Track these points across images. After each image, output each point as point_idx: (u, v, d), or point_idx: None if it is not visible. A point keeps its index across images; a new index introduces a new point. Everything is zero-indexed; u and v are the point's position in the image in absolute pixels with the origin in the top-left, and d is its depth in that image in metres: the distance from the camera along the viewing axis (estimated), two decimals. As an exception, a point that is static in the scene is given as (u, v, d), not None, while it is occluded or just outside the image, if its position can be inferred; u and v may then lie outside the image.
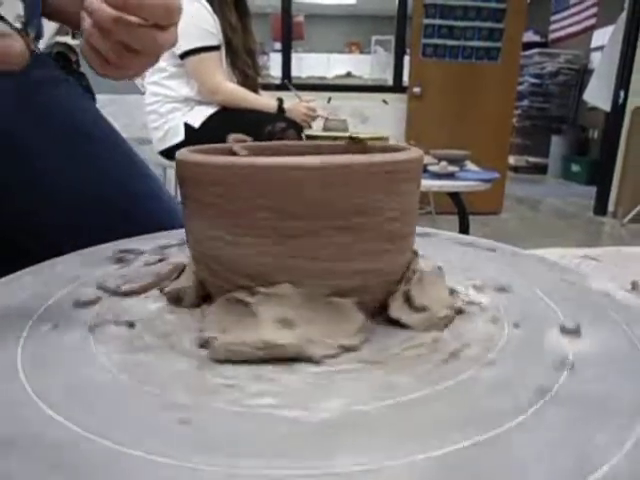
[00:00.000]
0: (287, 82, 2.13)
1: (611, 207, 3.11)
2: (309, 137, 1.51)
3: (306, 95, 1.81)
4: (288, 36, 3.19)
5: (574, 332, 0.25)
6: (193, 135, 1.51)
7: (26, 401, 0.19)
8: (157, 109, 1.56)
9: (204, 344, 0.23)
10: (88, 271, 0.32)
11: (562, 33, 4.89)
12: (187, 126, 1.53)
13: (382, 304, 0.26)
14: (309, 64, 5.11)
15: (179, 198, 0.29)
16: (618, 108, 3.00)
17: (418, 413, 0.19)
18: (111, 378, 0.21)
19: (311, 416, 0.18)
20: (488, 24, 2.92)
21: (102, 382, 0.20)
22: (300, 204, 0.22)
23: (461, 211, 1.64)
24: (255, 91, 1.62)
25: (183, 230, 0.29)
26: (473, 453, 0.16)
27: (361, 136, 0.33)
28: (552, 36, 5.05)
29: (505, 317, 0.27)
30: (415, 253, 0.28)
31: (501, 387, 0.20)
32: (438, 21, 2.91)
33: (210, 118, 1.53)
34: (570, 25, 4.73)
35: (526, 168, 4.96)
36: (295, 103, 1.65)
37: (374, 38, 5.51)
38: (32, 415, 0.18)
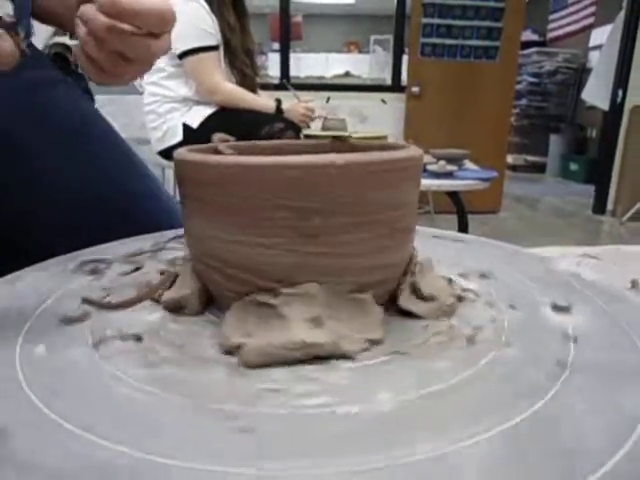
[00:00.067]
0: (286, 82, 2.13)
1: (610, 206, 3.11)
2: (308, 137, 1.51)
3: (305, 95, 1.81)
4: (286, 36, 3.19)
5: (566, 309, 0.27)
6: (191, 135, 1.51)
7: (67, 435, 0.17)
8: (155, 109, 1.56)
9: (230, 350, 0.22)
10: (59, 284, 0.30)
11: (560, 32, 4.89)
12: (185, 126, 1.53)
13: (391, 296, 0.27)
14: (308, 64, 5.11)
15: (178, 198, 0.29)
16: (616, 107, 3.01)
17: (468, 395, 0.20)
18: (143, 395, 0.19)
19: (367, 411, 0.19)
20: (486, 23, 2.92)
21: (136, 400, 0.19)
22: (323, 202, 0.22)
23: (460, 210, 1.64)
24: (253, 91, 1.61)
25: (164, 232, 0.29)
26: (533, 423, 0.18)
27: (359, 135, 0.33)
28: (550, 35, 5.05)
29: (498, 300, 0.29)
30: (414, 247, 0.29)
31: (527, 363, 0.22)
32: (436, 20, 2.91)
33: (208, 118, 1.52)
34: (568, 24, 4.74)
35: (524, 167, 4.96)
36: (293, 103, 1.64)
37: (372, 38, 5.51)
38: (84, 449, 0.16)
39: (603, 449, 0.16)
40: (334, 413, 0.18)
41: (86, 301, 0.27)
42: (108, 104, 1.52)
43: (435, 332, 0.25)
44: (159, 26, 0.34)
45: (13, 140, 0.46)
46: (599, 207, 3.16)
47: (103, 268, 0.33)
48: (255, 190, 0.22)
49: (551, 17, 4.98)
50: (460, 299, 0.28)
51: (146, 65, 0.38)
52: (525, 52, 4.64)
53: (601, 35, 3.91)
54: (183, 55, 1.47)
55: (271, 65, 4.31)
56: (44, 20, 0.50)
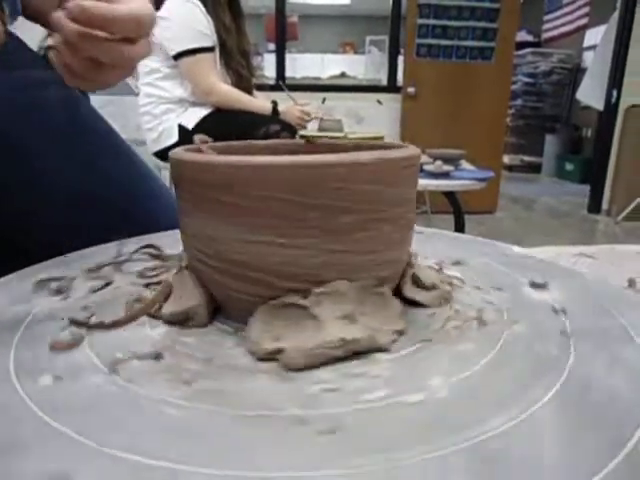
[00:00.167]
0: (281, 84, 2.13)
1: (605, 205, 3.13)
2: (304, 137, 1.51)
3: (300, 95, 1.81)
4: (282, 37, 3.19)
5: (543, 286, 0.30)
6: (187, 136, 1.50)
7: (133, 468, 0.15)
8: (151, 110, 1.56)
9: (266, 357, 0.22)
10: (25, 306, 0.28)
11: (555, 33, 4.91)
12: (181, 127, 1.52)
13: (394, 289, 0.28)
14: (303, 64, 5.11)
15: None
16: (611, 107, 3.02)
17: (505, 371, 0.21)
18: (198, 413, 0.18)
19: (429, 397, 0.19)
20: (482, 24, 2.93)
21: (192, 419, 0.18)
22: (344, 200, 0.22)
23: (456, 210, 1.64)
24: (249, 92, 1.61)
25: (123, 240, 0.28)
26: (570, 386, 0.20)
27: (356, 136, 0.33)
28: (545, 36, 5.08)
29: (482, 284, 0.31)
30: None
31: (538, 337, 0.24)
32: (432, 21, 2.91)
33: (204, 119, 1.52)
34: (563, 25, 4.76)
35: (520, 167, 4.98)
36: (289, 106, 1.64)
37: (368, 38, 5.51)
38: (161, 477, 0.15)
39: (637, 399, 0.19)
40: (401, 404, 0.19)
41: (75, 323, 0.25)
42: (107, 104, 1.51)
43: (447, 318, 0.26)
44: (134, 31, 0.34)
45: (11, 140, 0.46)
46: (594, 207, 3.17)
47: (66, 286, 0.30)
48: (278, 190, 0.22)
49: (546, 18, 5.00)
50: (451, 286, 0.30)
51: (125, 70, 0.37)
52: (520, 53, 4.66)
53: (595, 35, 3.93)
54: (178, 56, 1.47)
55: (267, 66, 4.31)
56: (35, 19, 0.49)
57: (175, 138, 1.52)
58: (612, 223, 2.91)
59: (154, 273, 0.31)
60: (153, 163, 1.61)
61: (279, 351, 0.21)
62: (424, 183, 1.42)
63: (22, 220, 0.47)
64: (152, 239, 0.40)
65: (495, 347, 0.23)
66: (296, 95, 1.76)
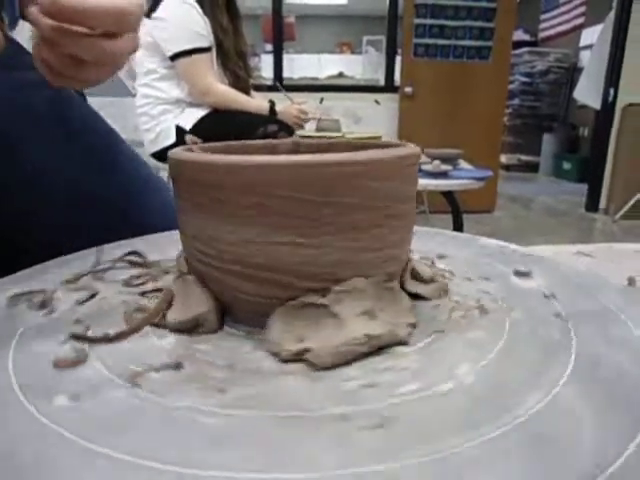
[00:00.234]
0: (278, 84, 2.13)
1: (602, 204, 3.14)
2: (302, 138, 1.51)
3: (298, 96, 1.81)
4: (279, 37, 3.18)
5: (528, 275, 0.31)
6: (185, 137, 1.50)
7: None
8: (148, 111, 1.55)
9: (290, 359, 0.21)
10: (8, 323, 0.26)
11: (551, 32, 4.92)
12: (178, 128, 1.52)
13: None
14: (301, 65, 5.11)
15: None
16: (608, 106, 3.03)
17: (523, 355, 0.22)
18: (239, 420, 0.18)
19: (459, 385, 0.20)
20: (479, 23, 2.94)
21: (235, 427, 0.17)
22: (361, 198, 0.22)
23: (455, 210, 1.64)
24: (247, 92, 1.61)
25: (99, 247, 0.28)
26: (583, 368, 0.21)
27: (354, 135, 0.33)
28: (542, 35, 5.09)
29: (471, 275, 0.31)
30: None
31: (539, 322, 0.25)
32: (429, 21, 2.92)
33: (201, 120, 1.52)
34: (559, 24, 4.77)
35: (518, 166, 4.98)
36: (287, 106, 1.64)
37: (365, 38, 5.51)
38: None
39: None
40: (435, 394, 0.19)
41: (76, 337, 0.23)
42: (105, 107, 1.51)
43: (451, 309, 0.27)
44: (115, 26, 0.31)
45: (12, 140, 0.46)
46: (592, 205, 3.18)
47: (48, 299, 0.28)
48: (298, 189, 0.21)
49: (542, 17, 5.01)
50: (444, 278, 0.31)
51: (110, 67, 0.35)
52: (517, 52, 4.67)
53: (591, 35, 3.94)
54: (175, 57, 1.47)
55: (264, 66, 4.31)
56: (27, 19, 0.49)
57: (172, 139, 1.52)
58: (610, 222, 2.91)
59: (141, 281, 0.30)
60: (152, 164, 1.60)
61: (305, 351, 0.21)
62: (422, 183, 1.42)
63: (22, 220, 0.47)
64: (133, 244, 0.38)
65: (503, 334, 0.24)
66: (294, 95, 1.76)
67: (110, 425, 0.18)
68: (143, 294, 0.28)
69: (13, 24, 0.31)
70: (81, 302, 0.28)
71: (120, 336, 0.24)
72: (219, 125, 1.48)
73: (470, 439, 0.16)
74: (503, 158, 4.27)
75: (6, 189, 0.45)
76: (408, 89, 2.97)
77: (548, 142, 4.89)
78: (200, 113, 1.52)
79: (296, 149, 0.33)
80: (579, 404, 0.19)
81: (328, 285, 0.23)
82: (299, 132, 1.60)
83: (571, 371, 0.21)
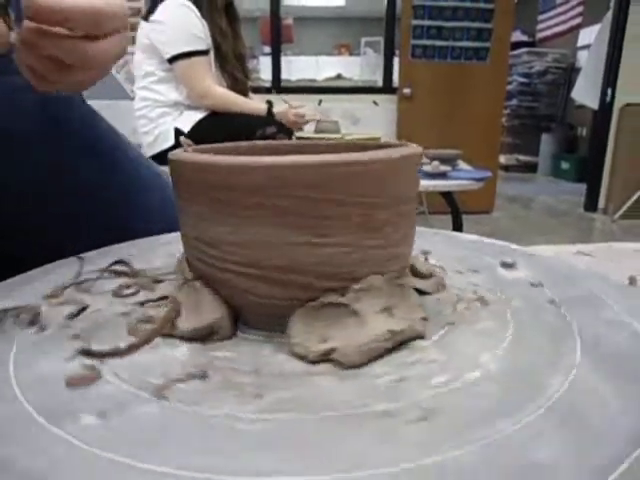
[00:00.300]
0: (274, 90, 2.13)
1: (601, 204, 3.14)
2: (300, 139, 1.51)
3: (296, 98, 1.81)
4: (277, 39, 3.19)
5: (513, 265, 0.32)
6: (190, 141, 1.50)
7: None
8: (147, 114, 1.55)
9: (316, 360, 0.21)
10: (3, 346, 0.24)
11: (549, 32, 4.93)
12: (177, 131, 1.52)
13: None
14: (299, 67, 5.11)
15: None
16: (606, 106, 3.03)
17: (534, 341, 0.23)
18: (279, 424, 0.17)
19: (485, 373, 0.20)
20: (476, 24, 2.94)
21: (280, 432, 0.17)
22: (382, 195, 0.23)
23: (454, 210, 1.64)
24: (245, 95, 1.61)
25: (72, 258, 0.27)
26: (590, 349, 0.22)
27: (353, 137, 0.33)
28: (539, 35, 5.10)
29: (460, 268, 0.32)
30: None
31: (538, 309, 0.26)
32: (427, 22, 2.92)
33: (200, 123, 1.52)
34: (557, 24, 4.78)
35: (516, 167, 4.99)
36: (284, 108, 1.64)
37: (363, 40, 5.52)
38: None
39: None
40: (467, 382, 0.20)
41: (86, 353, 0.22)
42: (101, 109, 1.51)
43: (454, 302, 0.27)
44: (93, 27, 0.30)
45: (8, 141, 0.45)
46: (591, 205, 3.18)
47: (35, 315, 0.26)
48: (318, 189, 0.21)
49: (540, 18, 5.02)
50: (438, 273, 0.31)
51: (95, 70, 0.34)
52: (515, 53, 4.68)
53: (589, 35, 3.95)
54: (173, 59, 1.47)
55: (262, 68, 4.31)
56: None
57: (171, 142, 1.52)
58: (609, 221, 2.91)
59: (131, 291, 0.29)
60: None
61: (331, 351, 0.21)
62: (422, 183, 1.42)
63: (22, 221, 0.47)
64: (113, 251, 0.37)
65: (508, 322, 0.25)
66: (292, 98, 1.76)
67: (148, 439, 0.17)
68: (142, 304, 0.27)
69: (18, 22, 0.31)
70: (72, 316, 0.26)
71: (131, 349, 0.22)
72: (217, 128, 1.48)
73: (515, 423, 0.17)
74: (502, 159, 4.28)
75: (4, 190, 0.45)
76: (406, 90, 2.97)
77: (546, 142, 4.89)
78: (198, 116, 1.52)
79: (298, 150, 0.33)
80: (599, 383, 0.20)
81: (346, 284, 0.23)
82: (298, 134, 1.60)
83: (581, 353, 0.22)
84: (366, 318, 0.22)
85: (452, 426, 0.17)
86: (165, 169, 0.57)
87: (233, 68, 1.59)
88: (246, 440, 0.17)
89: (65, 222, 0.47)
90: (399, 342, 0.22)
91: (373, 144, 0.31)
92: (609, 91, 3.00)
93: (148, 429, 0.17)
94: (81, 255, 0.36)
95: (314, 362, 0.21)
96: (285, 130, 1.53)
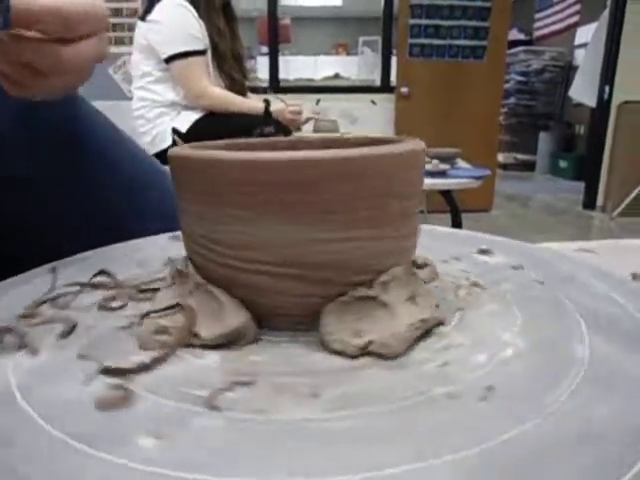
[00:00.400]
0: (270, 90, 2.13)
1: (600, 201, 3.14)
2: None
3: (294, 97, 1.81)
4: (275, 39, 3.19)
5: (490, 252, 0.34)
6: (181, 140, 1.50)
7: None
8: (145, 114, 1.55)
9: (356, 354, 0.21)
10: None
11: (546, 31, 4.94)
12: (175, 131, 1.52)
13: None
14: (296, 67, 5.11)
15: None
16: (604, 103, 3.04)
17: (545, 319, 0.24)
18: (360, 419, 0.17)
19: (516, 350, 0.21)
20: (473, 23, 2.95)
21: (357, 429, 0.17)
22: (406, 187, 0.23)
23: (453, 209, 1.64)
24: (243, 95, 1.61)
25: (43, 267, 0.26)
26: (595, 323, 0.23)
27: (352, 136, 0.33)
28: (536, 34, 5.11)
29: (443, 258, 0.33)
30: None
31: (529, 289, 0.27)
32: (424, 21, 2.92)
33: (197, 123, 1.51)
34: (554, 23, 4.79)
35: (515, 165, 5.00)
36: (279, 109, 1.63)
37: (361, 39, 5.52)
38: None
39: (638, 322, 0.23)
40: (506, 360, 0.20)
41: (110, 372, 0.21)
42: (101, 110, 1.51)
43: (455, 288, 0.28)
44: (64, 29, 0.29)
45: (13, 141, 0.45)
46: (589, 203, 3.19)
47: (22, 337, 0.24)
48: (352, 183, 0.21)
49: (537, 16, 5.03)
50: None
51: (73, 75, 0.32)
52: (512, 51, 4.68)
53: (586, 33, 3.96)
54: (170, 59, 1.46)
55: (260, 68, 4.31)
56: None
57: (169, 142, 1.52)
58: (607, 219, 2.92)
59: (120, 304, 0.27)
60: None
61: (369, 344, 0.21)
62: (420, 182, 1.42)
63: (22, 220, 0.47)
64: (83, 260, 0.35)
65: (511, 304, 0.26)
66: (290, 97, 1.76)
67: (224, 454, 0.16)
68: (145, 315, 0.25)
69: (5, 28, 0.29)
70: (65, 336, 0.24)
71: (156, 362, 0.21)
72: (215, 127, 1.47)
73: (560, 393, 0.18)
74: (500, 157, 4.28)
75: (4, 190, 0.45)
76: (404, 89, 2.97)
77: (544, 140, 4.90)
78: (195, 116, 1.52)
79: (294, 147, 0.32)
80: (613, 350, 0.21)
81: (373, 277, 0.23)
82: (297, 133, 1.60)
83: (590, 327, 0.23)
84: (395, 309, 0.22)
85: (513, 401, 0.18)
86: (164, 169, 0.57)
87: (231, 68, 1.58)
88: (332, 440, 0.16)
89: (65, 222, 0.47)
90: (426, 329, 0.23)
91: (376, 140, 0.31)
92: (607, 89, 3.01)
93: (218, 443, 0.16)
94: (52, 265, 0.33)
95: (353, 357, 0.21)
96: (283, 129, 1.53)
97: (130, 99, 1.64)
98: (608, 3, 3.00)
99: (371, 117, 3.05)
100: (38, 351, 0.23)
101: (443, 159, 1.56)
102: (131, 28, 2.45)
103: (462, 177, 1.50)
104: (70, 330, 0.25)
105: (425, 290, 0.25)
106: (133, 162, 0.54)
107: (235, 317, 0.23)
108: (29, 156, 0.46)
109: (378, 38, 3.78)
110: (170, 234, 0.41)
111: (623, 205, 2.87)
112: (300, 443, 0.16)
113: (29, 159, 0.46)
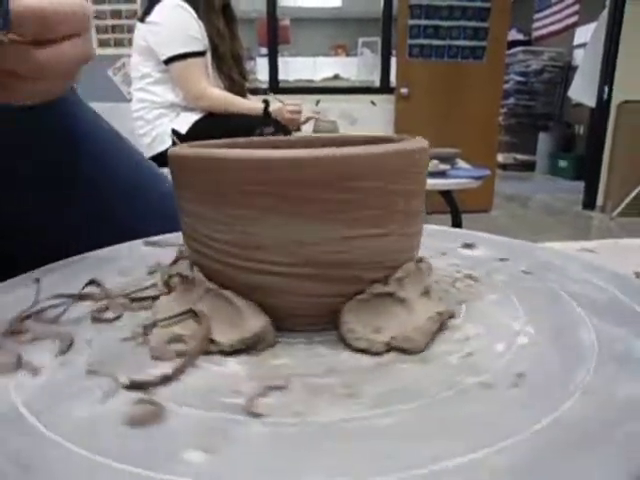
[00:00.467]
0: (269, 91, 2.13)
1: (599, 201, 3.15)
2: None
3: (294, 98, 1.81)
4: (274, 40, 3.19)
5: (474, 246, 0.34)
6: (180, 141, 1.50)
7: None
8: (144, 115, 1.55)
9: (381, 351, 0.21)
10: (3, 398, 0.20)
11: (545, 31, 4.95)
12: (174, 132, 1.52)
13: None
14: (296, 68, 5.12)
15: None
16: (603, 103, 3.04)
17: (544, 307, 0.24)
18: (403, 417, 0.17)
19: (532, 338, 0.21)
20: (473, 23, 2.95)
21: (403, 426, 0.17)
22: (418, 184, 0.24)
23: (453, 209, 1.64)
24: (243, 96, 1.61)
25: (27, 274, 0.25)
26: (597, 309, 0.24)
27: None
28: (535, 34, 5.11)
29: (430, 253, 0.33)
30: None
31: (521, 279, 0.28)
32: (423, 21, 2.93)
33: (196, 124, 1.52)
34: (553, 23, 4.80)
35: (514, 165, 5.00)
36: (278, 108, 1.63)
37: (360, 40, 5.53)
38: None
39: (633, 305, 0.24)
40: (524, 346, 0.21)
41: (134, 386, 0.20)
42: (101, 112, 1.51)
43: (453, 281, 0.28)
44: (40, 29, 0.27)
45: (13, 141, 0.45)
46: (589, 203, 3.19)
47: (18, 357, 0.22)
48: (376, 179, 0.21)
49: (536, 16, 5.04)
50: None
51: (51, 79, 0.30)
52: (511, 51, 4.69)
53: (585, 33, 3.96)
54: (169, 61, 1.46)
55: (260, 70, 4.31)
56: None
57: (168, 143, 1.52)
58: (607, 219, 2.92)
59: (116, 315, 0.26)
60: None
61: (392, 340, 0.21)
62: (420, 183, 1.42)
63: (22, 220, 0.46)
64: (71, 267, 0.33)
65: (508, 294, 0.26)
66: (290, 98, 1.76)
67: (285, 462, 0.15)
68: (154, 325, 0.24)
69: (3, 30, 0.29)
70: (64, 352, 0.23)
71: (177, 372, 0.20)
72: (214, 128, 1.47)
73: (586, 373, 0.18)
74: (499, 157, 4.29)
75: (4, 190, 0.45)
76: (403, 90, 2.98)
77: (544, 141, 4.91)
78: (195, 117, 1.52)
79: (294, 146, 0.32)
80: (617, 332, 0.21)
81: (389, 273, 0.23)
82: (296, 134, 1.60)
83: (594, 313, 0.23)
84: (412, 304, 0.22)
85: (545, 385, 0.18)
86: (164, 170, 0.56)
87: (230, 69, 1.59)
88: (372, 440, 0.16)
89: (65, 222, 0.47)
90: (441, 322, 0.23)
91: (378, 138, 0.31)
92: (606, 89, 3.01)
93: (266, 450, 0.16)
94: (32, 275, 0.31)
95: (377, 354, 0.21)
96: (283, 130, 1.53)
97: (129, 101, 1.64)
98: (607, 3, 3.01)
99: (371, 118, 3.06)
100: (37, 371, 0.21)
101: (443, 159, 1.56)
102: (130, 30, 2.45)
103: (462, 177, 1.50)
104: (69, 346, 0.23)
105: (430, 283, 0.25)
106: (132, 163, 0.54)
107: (255, 321, 0.22)
108: (29, 156, 0.46)
109: (377, 39, 3.78)
110: (144, 240, 0.40)
111: (623, 205, 2.87)
112: (345, 444, 0.16)
113: (29, 159, 0.46)
